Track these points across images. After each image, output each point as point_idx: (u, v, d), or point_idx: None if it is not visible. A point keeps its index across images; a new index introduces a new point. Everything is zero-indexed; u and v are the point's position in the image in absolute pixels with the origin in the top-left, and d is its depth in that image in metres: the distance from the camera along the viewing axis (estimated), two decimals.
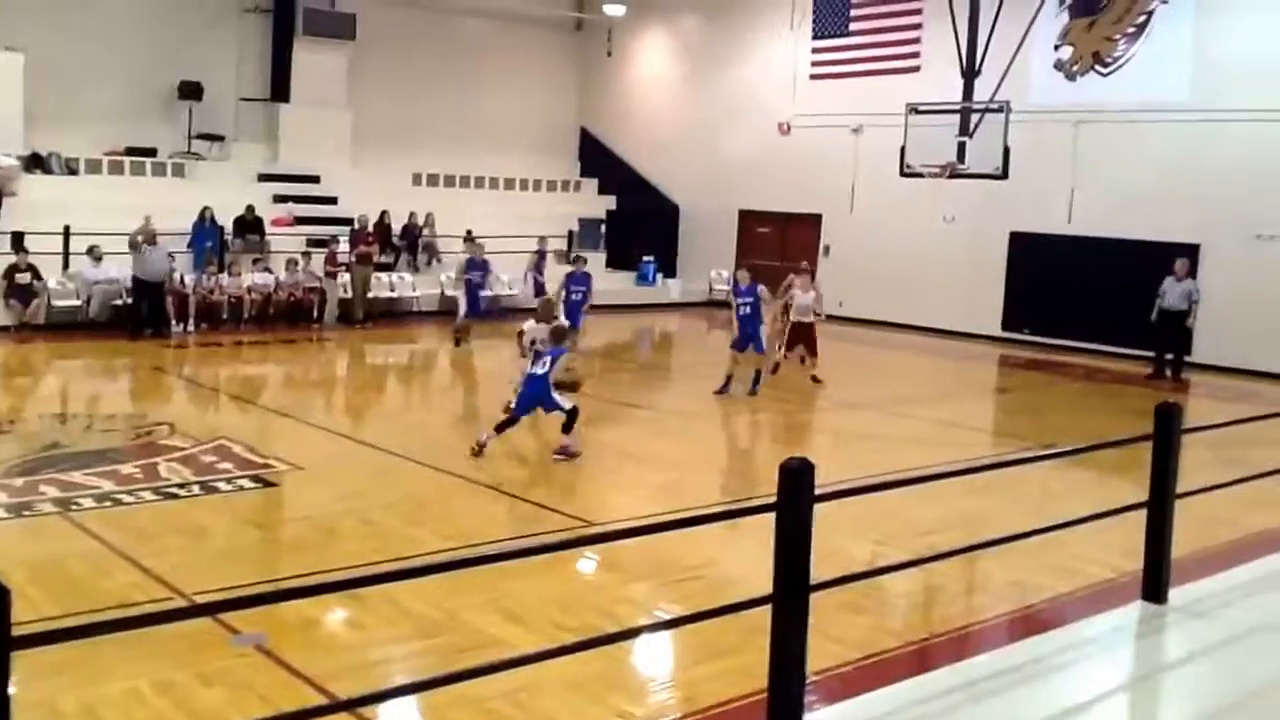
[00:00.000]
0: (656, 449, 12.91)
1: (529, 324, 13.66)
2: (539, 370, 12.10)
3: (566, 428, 11.96)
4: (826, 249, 25.55)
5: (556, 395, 12.08)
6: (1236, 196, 19.65)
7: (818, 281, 17.73)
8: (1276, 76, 19.32)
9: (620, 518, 9.79)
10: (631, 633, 6.92)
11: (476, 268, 20.64)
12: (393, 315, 23.40)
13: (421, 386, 18.77)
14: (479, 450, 11.81)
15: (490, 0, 29.06)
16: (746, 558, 8.02)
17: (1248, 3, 19.91)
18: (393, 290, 23.98)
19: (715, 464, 12.91)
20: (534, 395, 12.03)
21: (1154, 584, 6.88)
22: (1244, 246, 19.27)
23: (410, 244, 25.14)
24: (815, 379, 16.93)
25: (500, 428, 12.03)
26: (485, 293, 21.34)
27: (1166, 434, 6.90)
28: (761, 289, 16.23)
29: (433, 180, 28.10)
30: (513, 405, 12.29)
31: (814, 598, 5.23)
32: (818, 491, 5.19)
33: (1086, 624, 6.88)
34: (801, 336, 17.03)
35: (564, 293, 17.62)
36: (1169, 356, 18.75)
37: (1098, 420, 15.22)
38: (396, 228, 24.95)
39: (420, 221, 25.46)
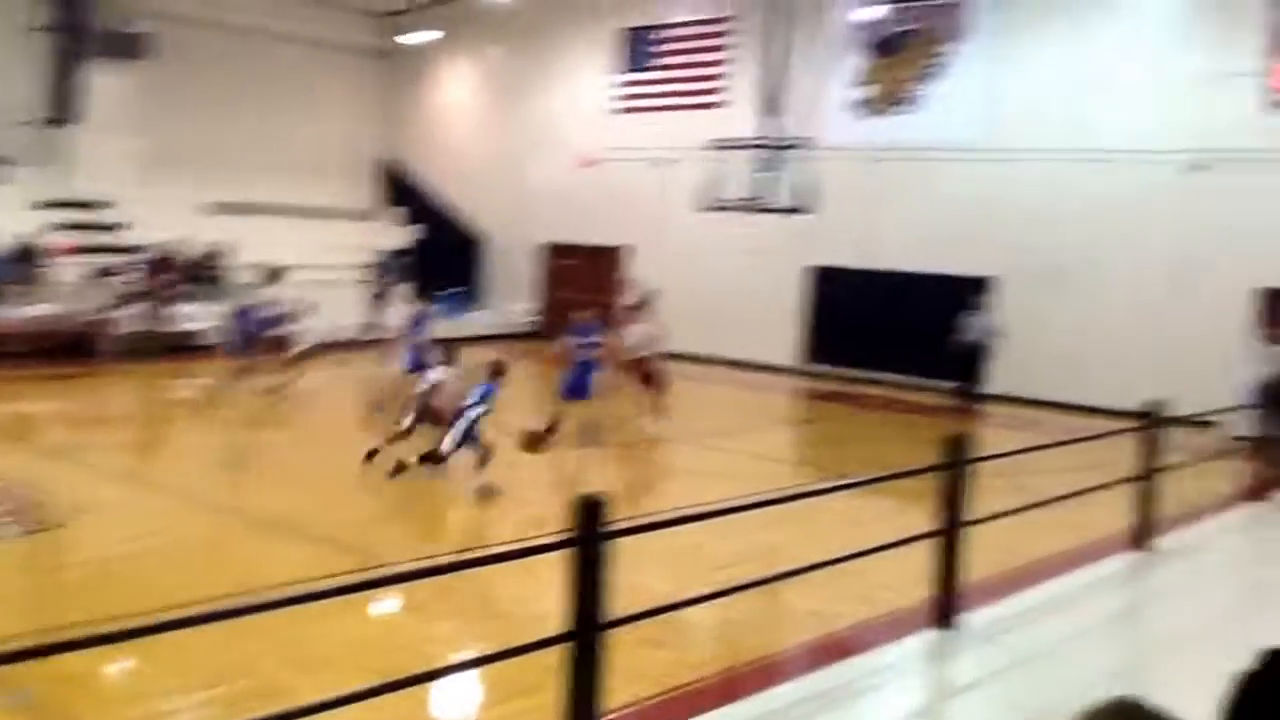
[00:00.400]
0: (457, 485, 12.63)
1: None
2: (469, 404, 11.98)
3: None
4: (631, 282, 25.68)
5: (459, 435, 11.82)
6: (1028, 232, 20.53)
7: (651, 316, 16.76)
8: (1061, 118, 20.29)
9: (420, 556, 9.53)
10: (427, 676, 6.69)
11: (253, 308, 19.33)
12: (185, 348, 22.47)
13: (211, 424, 17.98)
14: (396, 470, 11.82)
15: (297, 25, 28.43)
16: (554, 593, 7.90)
17: (1034, 47, 20.87)
18: (184, 322, 23.03)
19: (519, 499, 12.71)
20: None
21: (943, 611, 7.02)
22: (1036, 281, 20.11)
23: (204, 274, 24.24)
24: (654, 421, 16.00)
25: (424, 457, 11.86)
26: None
27: (955, 463, 7.06)
28: (604, 332, 15.60)
29: (229, 208, 27.17)
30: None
31: (614, 634, 5.14)
32: (613, 527, 5.13)
33: (881, 651, 6.96)
34: (641, 373, 16.22)
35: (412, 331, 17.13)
36: (971, 389, 19.30)
37: (895, 450, 15.59)
38: (192, 256, 24.03)
39: (217, 251, 24.60)
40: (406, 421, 12.75)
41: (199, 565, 9.37)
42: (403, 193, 31.03)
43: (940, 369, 20.02)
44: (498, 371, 12.41)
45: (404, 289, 23.00)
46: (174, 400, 19.59)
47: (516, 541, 9.71)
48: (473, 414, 11.89)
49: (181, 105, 26.59)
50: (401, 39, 30.55)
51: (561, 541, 5.11)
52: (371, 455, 12.53)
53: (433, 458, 11.88)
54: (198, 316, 23.22)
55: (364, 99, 31.31)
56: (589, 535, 5.07)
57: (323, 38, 29.35)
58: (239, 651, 6.96)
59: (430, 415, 12.54)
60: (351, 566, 9.23)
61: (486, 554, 5.43)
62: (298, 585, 8.29)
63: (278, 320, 19.29)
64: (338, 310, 24.99)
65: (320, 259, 25.10)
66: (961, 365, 19.31)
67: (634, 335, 16.45)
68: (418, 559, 9.24)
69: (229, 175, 26.87)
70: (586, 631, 5.08)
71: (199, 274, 24.17)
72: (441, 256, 28.84)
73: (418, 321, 17.49)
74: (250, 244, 24.79)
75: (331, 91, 30.18)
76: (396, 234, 29.84)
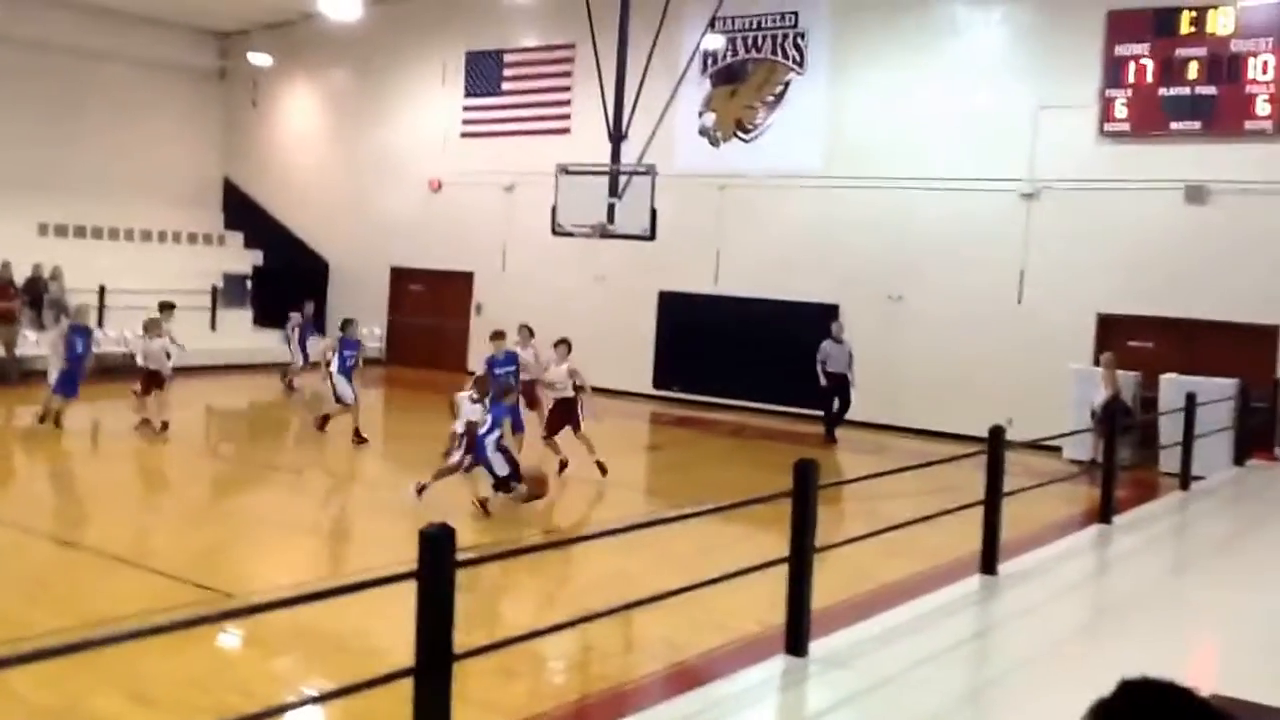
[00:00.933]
0: (303, 514, 12.25)
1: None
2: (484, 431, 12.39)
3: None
4: (479, 307, 25.45)
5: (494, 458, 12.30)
6: (869, 259, 20.92)
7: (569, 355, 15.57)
8: (898, 147, 20.76)
9: (263, 588, 9.16)
10: (268, 713, 6.37)
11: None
12: (25, 374, 21.44)
13: (45, 455, 17.11)
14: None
15: (132, 45, 27.50)
16: (398, 624, 7.62)
17: (872, 78, 21.34)
18: (22, 347, 21.96)
19: (366, 528, 12.36)
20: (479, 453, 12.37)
21: (795, 637, 6.96)
22: (878, 307, 20.48)
23: (35, 299, 23.18)
24: (600, 467, 14.79)
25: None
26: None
27: (804, 490, 7.01)
28: (525, 356, 15.49)
29: (61, 231, 26.12)
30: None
31: (466, 664, 4.98)
32: (460, 557, 4.94)
33: (733, 679, 6.87)
34: (564, 415, 15.15)
35: (336, 357, 16.88)
36: (839, 416, 19.37)
37: (746, 475, 15.65)
38: (20, 280, 22.94)
39: (46, 275, 23.55)
40: (455, 457, 12.97)
41: (37, 598, 8.98)
42: (246, 216, 30.21)
43: (791, 395, 20.20)
44: (505, 393, 13.05)
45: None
46: (12, 428, 18.64)
47: (365, 572, 9.45)
48: (490, 439, 12.39)
49: (8, 125, 25.48)
50: (240, 60, 29.78)
51: (407, 573, 4.90)
52: (421, 490, 12.76)
53: (503, 487, 12.46)
54: (37, 342, 22.22)
55: (204, 121, 30.47)
56: (436, 566, 4.86)
57: (160, 58, 28.49)
58: (70, 687, 6.66)
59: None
60: (194, 599, 8.82)
61: (329, 587, 5.16)
62: (136, 619, 7.87)
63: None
64: (180, 336, 24.20)
65: (161, 284, 24.21)
66: (831, 396, 19.39)
67: (552, 372, 15.58)
68: (261, 591, 8.88)
69: (62, 197, 25.86)
70: (434, 664, 4.88)
71: (34, 299, 23.10)
72: (286, 282, 28.11)
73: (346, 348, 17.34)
74: (83, 268, 23.86)
75: (170, 113, 29.30)
76: (240, 258, 29.05)
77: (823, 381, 19.39)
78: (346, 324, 17.90)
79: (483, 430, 12.42)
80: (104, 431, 18.03)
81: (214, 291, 26.39)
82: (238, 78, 30.43)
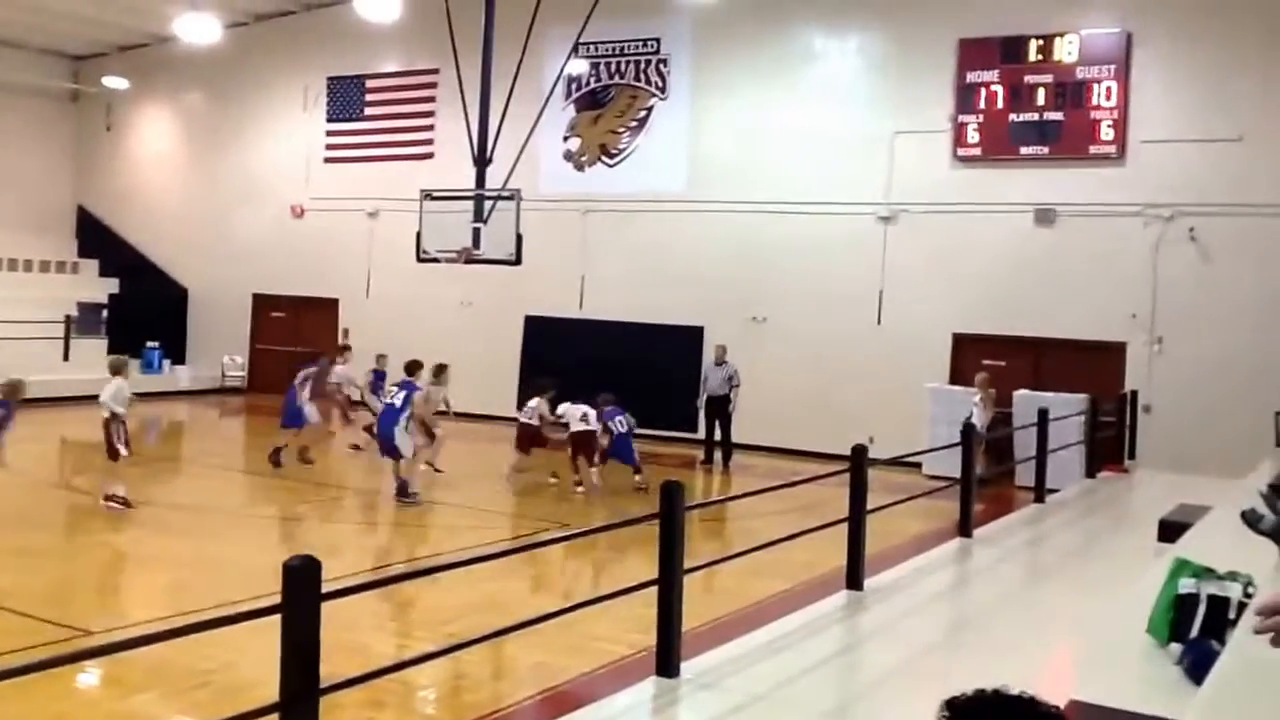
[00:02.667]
0: (160, 548, 11.88)
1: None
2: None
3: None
4: (345, 332, 25.08)
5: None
6: (731, 281, 21.18)
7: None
8: (759, 171, 21.11)
9: (119, 624, 8.88)
10: None
11: None
12: None
13: None
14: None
15: None
16: (261, 657, 7.45)
17: (731, 103, 21.65)
18: None
19: (226, 561, 12.00)
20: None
21: (666, 659, 6.99)
22: (741, 328, 20.71)
23: None
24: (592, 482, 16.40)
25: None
26: None
27: (671, 511, 7.06)
28: (418, 395, 15.39)
29: None
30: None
31: (334, 697, 4.89)
32: (327, 589, 4.87)
33: (606, 702, 6.88)
34: (581, 447, 16.52)
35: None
36: (717, 439, 19.40)
37: (613, 498, 15.68)
38: None
39: None
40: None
41: None
42: (100, 244, 29.32)
43: (657, 418, 20.27)
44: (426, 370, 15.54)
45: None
46: None
47: (228, 605, 9.21)
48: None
49: None
50: (94, 84, 28.96)
51: (270, 607, 4.80)
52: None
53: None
54: None
55: (55, 146, 29.53)
56: (300, 598, 4.78)
57: (8, 81, 27.50)
58: None
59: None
60: (49, 638, 8.49)
61: (191, 623, 5.03)
62: None
63: None
64: (32, 367, 23.37)
65: (10, 313, 23.40)
66: (710, 418, 19.41)
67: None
68: (120, 628, 8.61)
69: None
70: (300, 698, 4.79)
71: None
72: (143, 310, 27.36)
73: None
74: None
75: (19, 137, 28.32)
76: (95, 286, 28.18)
77: (699, 403, 19.54)
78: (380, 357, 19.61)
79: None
80: None
81: (67, 321, 25.50)
82: (91, 101, 29.58)
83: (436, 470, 16.72)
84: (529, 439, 16.86)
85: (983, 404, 17.00)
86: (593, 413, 16.62)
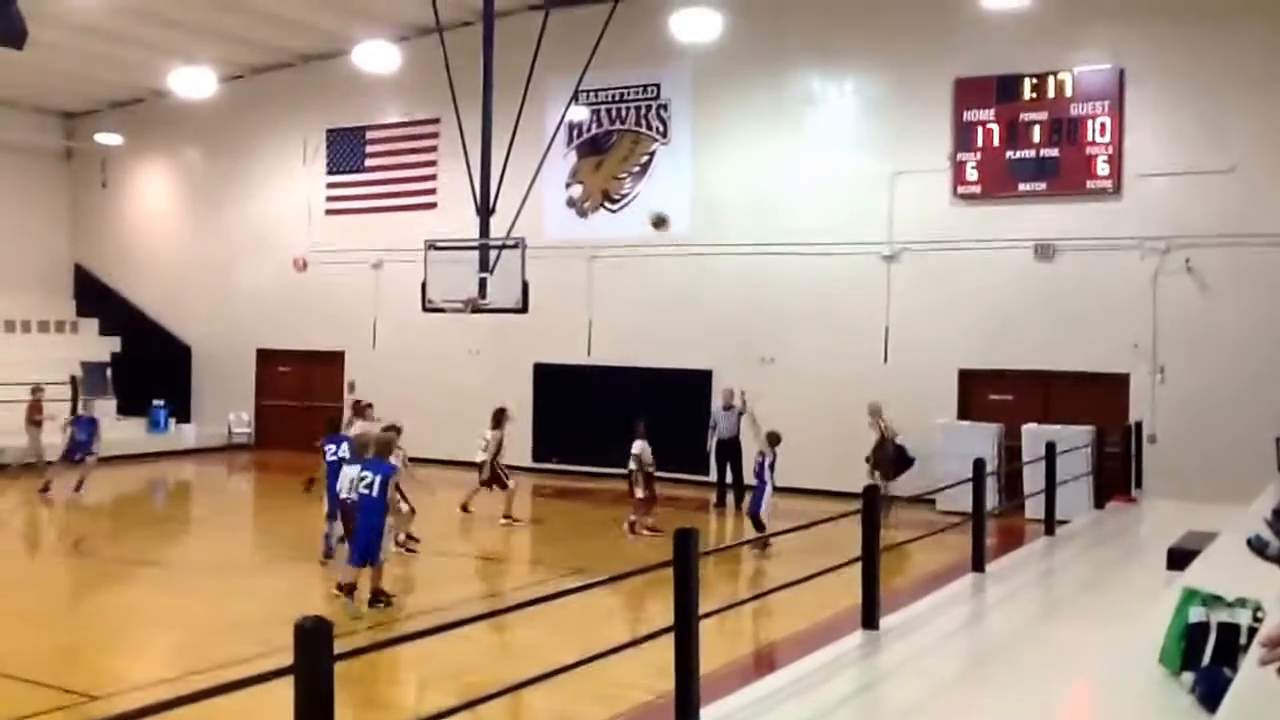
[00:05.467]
0: (170, 608, 11.83)
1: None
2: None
3: None
4: (351, 385, 25.10)
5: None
6: (738, 324, 21.26)
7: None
8: (762, 213, 21.22)
9: (128, 687, 8.83)
10: None
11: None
12: None
13: None
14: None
15: None
16: (275, 715, 7.42)
17: (734, 146, 21.80)
18: None
19: (237, 621, 11.97)
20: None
21: (685, 705, 6.96)
22: (748, 370, 20.72)
23: None
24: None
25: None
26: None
27: (685, 557, 7.05)
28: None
29: None
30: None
31: None
32: (339, 650, 4.85)
33: None
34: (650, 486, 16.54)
35: None
36: (729, 482, 19.37)
37: (627, 544, 15.66)
38: None
39: None
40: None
41: None
42: (99, 302, 29.37)
43: (668, 462, 20.21)
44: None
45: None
46: None
47: (235, 663, 9.19)
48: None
49: None
50: (88, 140, 29.12)
51: (283, 669, 4.78)
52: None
53: None
54: None
55: (50, 204, 29.59)
56: (313, 661, 4.75)
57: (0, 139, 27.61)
58: None
59: None
60: (52, 704, 8.46)
61: (203, 689, 5.01)
62: None
63: None
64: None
65: (10, 375, 23.42)
66: (722, 462, 19.40)
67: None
68: (127, 691, 8.57)
69: None
70: None
71: None
72: (146, 368, 27.39)
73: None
74: None
75: (11, 194, 28.30)
76: (96, 345, 28.22)
77: (709, 448, 19.52)
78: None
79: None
80: None
81: (73, 381, 25.48)
82: (85, 158, 29.74)
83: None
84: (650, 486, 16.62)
85: (871, 429, 18.00)
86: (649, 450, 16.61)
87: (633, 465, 16.38)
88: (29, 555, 15.59)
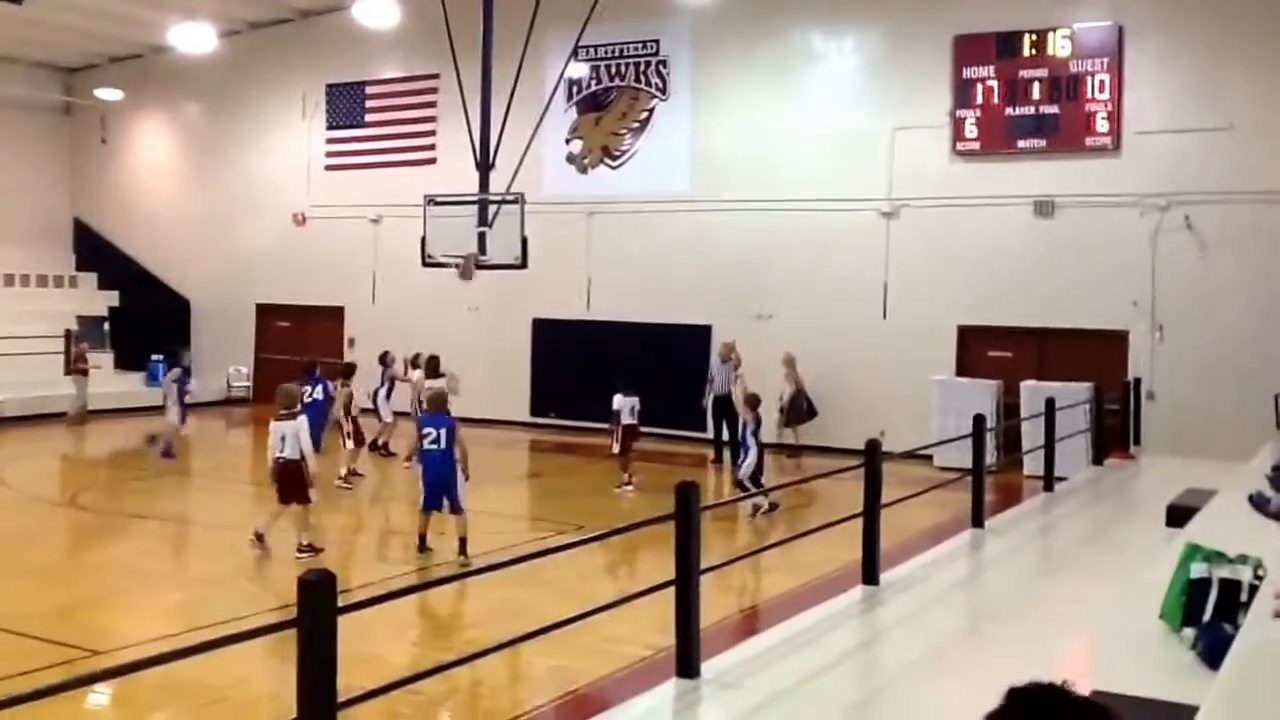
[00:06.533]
0: (170, 564, 11.88)
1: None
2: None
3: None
4: (352, 341, 25.11)
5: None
6: (737, 279, 21.21)
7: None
8: (761, 169, 21.13)
9: (129, 643, 8.87)
10: None
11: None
12: None
13: None
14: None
15: None
16: (274, 672, 7.47)
17: (734, 103, 21.67)
18: None
19: (239, 576, 12.04)
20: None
21: (686, 659, 7.00)
22: (746, 326, 20.71)
23: None
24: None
25: None
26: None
27: (686, 512, 7.07)
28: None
29: None
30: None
31: (351, 711, 4.89)
32: (342, 602, 4.87)
33: (627, 706, 6.89)
34: (632, 441, 16.72)
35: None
36: (725, 439, 19.30)
37: (626, 499, 15.70)
38: None
39: None
40: None
41: None
42: (99, 256, 29.31)
43: (667, 417, 20.28)
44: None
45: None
46: None
47: (238, 620, 9.23)
48: None
49: None
50: (87, 96, 28.95)
51: (286, 622, 4.81)
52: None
53: None
54: None
55: (49, 159, 29.46)
56: (316, 614, 4.78)
57: None
58: None
59: None
60: (56, 659, 8.49)
61: (206, 640, 5.03)
62: None
63: None
64: (33, 382, 23.44)
65: (8, 328, 23.42)
66: (718, 417, 19.43)
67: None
68: (129, 646, 8.60)
69: None
70: (317, 713, 4.80)
71: None
72: (146, 322, 27.35)
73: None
74: None
75: (12, 151, 28.21)
76: (94, 300, 28.18)
77: (705, 403, 19.55)
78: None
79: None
80: None
81: (67, 335, 25.48)
82: (85, 113, 29.56)
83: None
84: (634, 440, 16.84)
85: (786, 381, 19.43)
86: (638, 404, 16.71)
87: (630, 418, 16.50)
88: (25, 509, 15.59)
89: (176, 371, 19.59)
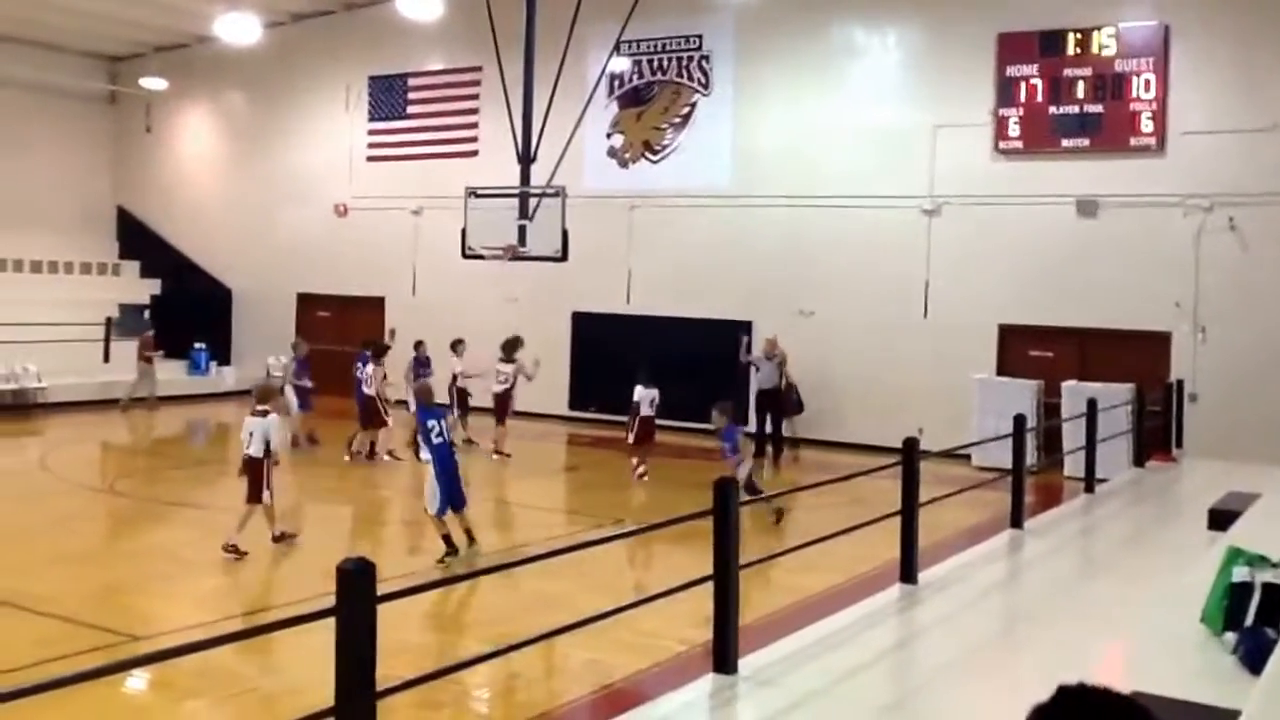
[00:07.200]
0: (207, 550, 11.93)
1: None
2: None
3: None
4: (392, 332, 25.18)
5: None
6: (778, 275, 21.16)
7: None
8: (803, 165, 21.05)
9: (168, 629, 8.96)
10: None
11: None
12: None
13: None
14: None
15: (9, 68, 26.67)
16: (311, 660, 7.50)
17: (776, 98, 21.61)
18: None
19: (275, 562, 12.13)
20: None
21: (723, 655, 6.99)
22: (788, 322, 20.65)
23: None
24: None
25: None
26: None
27: (725, 507, 7.05)
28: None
29: None
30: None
31: (388, 699, 4.91)
32: (381, 591, 4.88)
33: (663, 700, 6.87)
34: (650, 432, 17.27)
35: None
36: (769, 432, 19.51)
37: (662, 494, 15.70)
38: None
39: None
40: None
41: None
42: (142, 245, 29.58)
43: (706, 412, 20.24)
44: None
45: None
46: None
47: (276, 608, 9.29)
48: None
49: None
50: (132, 85, 29.18)
51: (325, 610, 4.82)
52: None
53: None
54: None
55: (94, 147, 29.75)
56: (355, 602, 4.79)
57: (42, 82, 27.66)
58: None
59: None
60: (95, 644, 8.57)
61: (246, 628, 5.06)
62: (33, 668, 7.64)
63: None
64: (72, 368, 23.69)
65: (52, 315, 23.68)
66: (762, 411, 19.50)
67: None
68: (168, 632, 8.68)
69: None
70: (355, 702, 4.81)
71: None
72: (187, 311, 27.58)
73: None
74: None
75: (56, 138, 28.54)
76: (137, 288, 28.44)
77: (750, 397, 19.56)
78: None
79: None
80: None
81: (107, 322, 25.73)
82: (130, 102, 29.80)
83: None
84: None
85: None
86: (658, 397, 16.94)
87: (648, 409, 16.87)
88: (65, 495, 15.74)
89: (289, 361, 19.97)
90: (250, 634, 7.53)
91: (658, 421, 17.37)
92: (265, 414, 12.19)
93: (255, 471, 11.91)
